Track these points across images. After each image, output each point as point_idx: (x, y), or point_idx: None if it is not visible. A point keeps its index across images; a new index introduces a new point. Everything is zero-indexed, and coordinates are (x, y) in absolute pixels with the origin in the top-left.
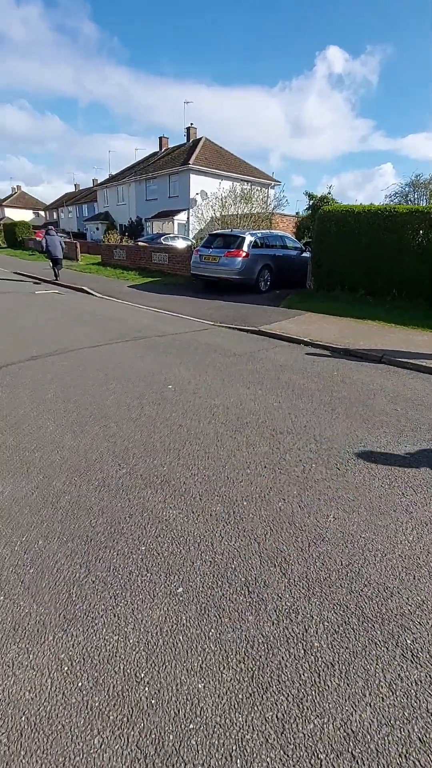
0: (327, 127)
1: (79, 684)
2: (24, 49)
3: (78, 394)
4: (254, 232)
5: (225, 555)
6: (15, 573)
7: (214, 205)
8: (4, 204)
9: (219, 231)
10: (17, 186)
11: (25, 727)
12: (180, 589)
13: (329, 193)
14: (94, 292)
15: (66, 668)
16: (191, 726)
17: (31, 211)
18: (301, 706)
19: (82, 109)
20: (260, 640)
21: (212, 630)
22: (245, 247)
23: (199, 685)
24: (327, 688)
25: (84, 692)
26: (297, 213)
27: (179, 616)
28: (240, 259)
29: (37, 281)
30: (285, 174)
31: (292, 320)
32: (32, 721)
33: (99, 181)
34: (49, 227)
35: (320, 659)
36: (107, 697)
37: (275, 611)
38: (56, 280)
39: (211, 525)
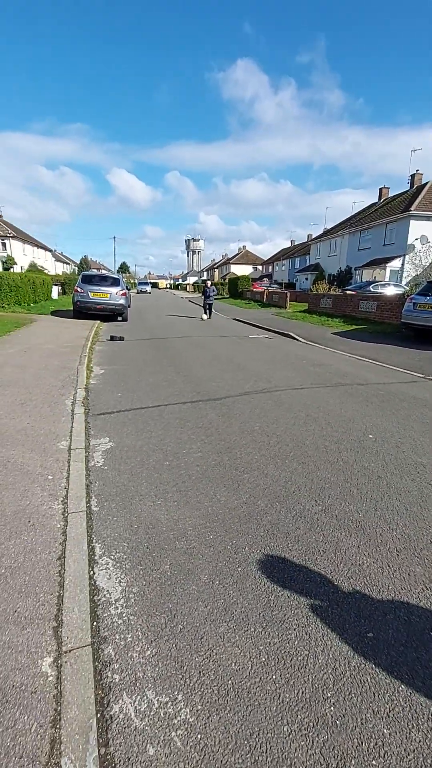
0: None
1: (273, 677)
2: (272, 129)
3: (280, 431)
4: None
5: (422, 619)
6: (227, 566)
7: None
8: (231, 262)
9: None
10: (243, 246)
11: (230, 689)
12: (370, 634)
13: None
14: (299, 338)
15: (263, 659)
16: (374, 763)
17: (251, 266)
18: None
19: (314, 172)
20: None
21: (403, 686)
22: None
23: (385, 731)
24: None
25: (277, 685)
26: None
27: (368, 659)
28: None
29: (253, 326)
30: None
31: None
32: (236, 687)
33: (313, 237)
34: (206, 281)
35: None
36: (296, 699)
37: None
38: (203, 317)
39: (409, 584)
